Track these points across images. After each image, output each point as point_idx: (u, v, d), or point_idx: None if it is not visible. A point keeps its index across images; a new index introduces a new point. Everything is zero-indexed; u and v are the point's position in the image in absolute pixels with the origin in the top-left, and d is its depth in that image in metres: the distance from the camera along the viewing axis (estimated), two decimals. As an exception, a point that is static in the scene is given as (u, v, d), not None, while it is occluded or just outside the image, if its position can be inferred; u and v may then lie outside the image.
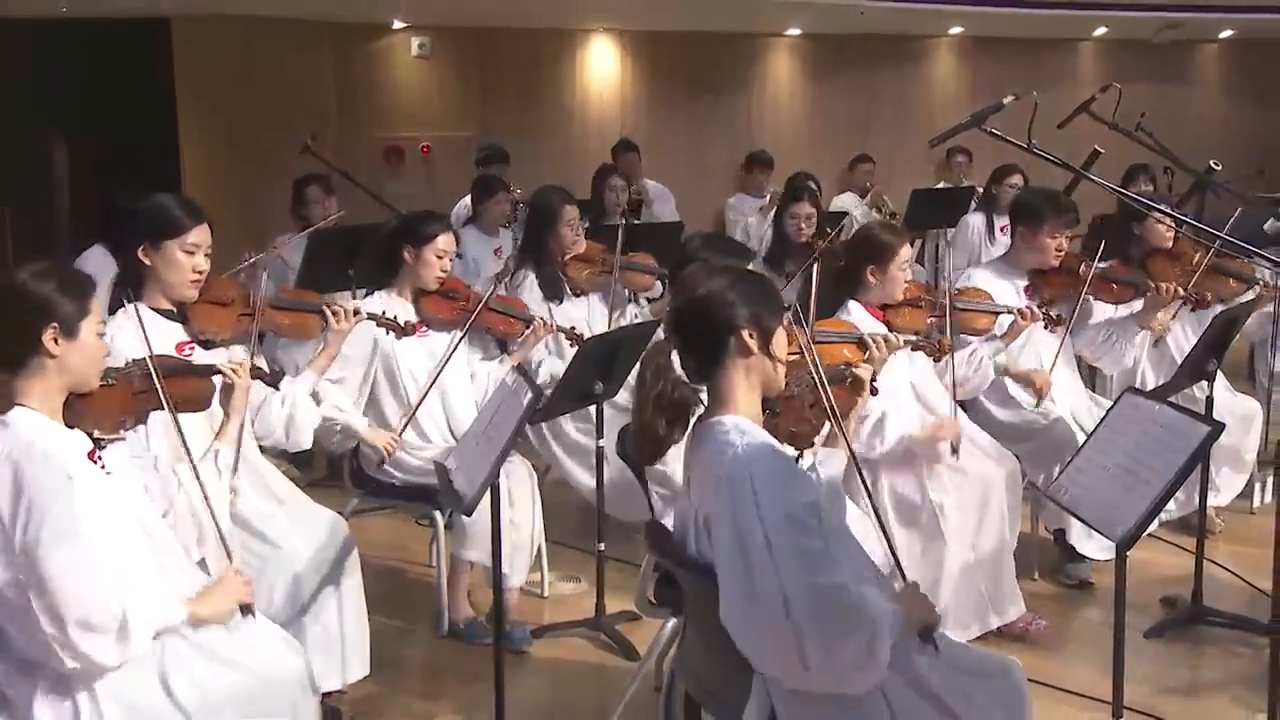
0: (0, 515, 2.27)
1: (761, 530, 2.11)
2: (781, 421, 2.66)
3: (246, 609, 2.60)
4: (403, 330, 3.77)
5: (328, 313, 3.55)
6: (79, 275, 2.55)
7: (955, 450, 3.72)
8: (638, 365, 2.54)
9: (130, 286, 3.12)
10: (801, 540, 2.11)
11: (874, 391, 3.14)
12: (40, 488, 2.27)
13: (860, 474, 2.67)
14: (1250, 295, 4.63)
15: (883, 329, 3.82)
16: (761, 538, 2.11)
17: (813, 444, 2.87)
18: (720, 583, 2.18)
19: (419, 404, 3.88)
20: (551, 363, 4.54)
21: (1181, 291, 4.38)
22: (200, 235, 3.16)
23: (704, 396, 2.41)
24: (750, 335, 2.33)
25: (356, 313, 3.59)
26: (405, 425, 3.88)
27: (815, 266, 4.12)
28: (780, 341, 2.40)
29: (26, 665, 2.35)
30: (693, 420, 2.41)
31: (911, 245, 3.96)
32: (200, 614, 2.50)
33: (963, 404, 4.08)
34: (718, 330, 2.34)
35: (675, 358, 2.41)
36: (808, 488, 2.22)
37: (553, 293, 4.80)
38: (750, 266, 3.25)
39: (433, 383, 3.90)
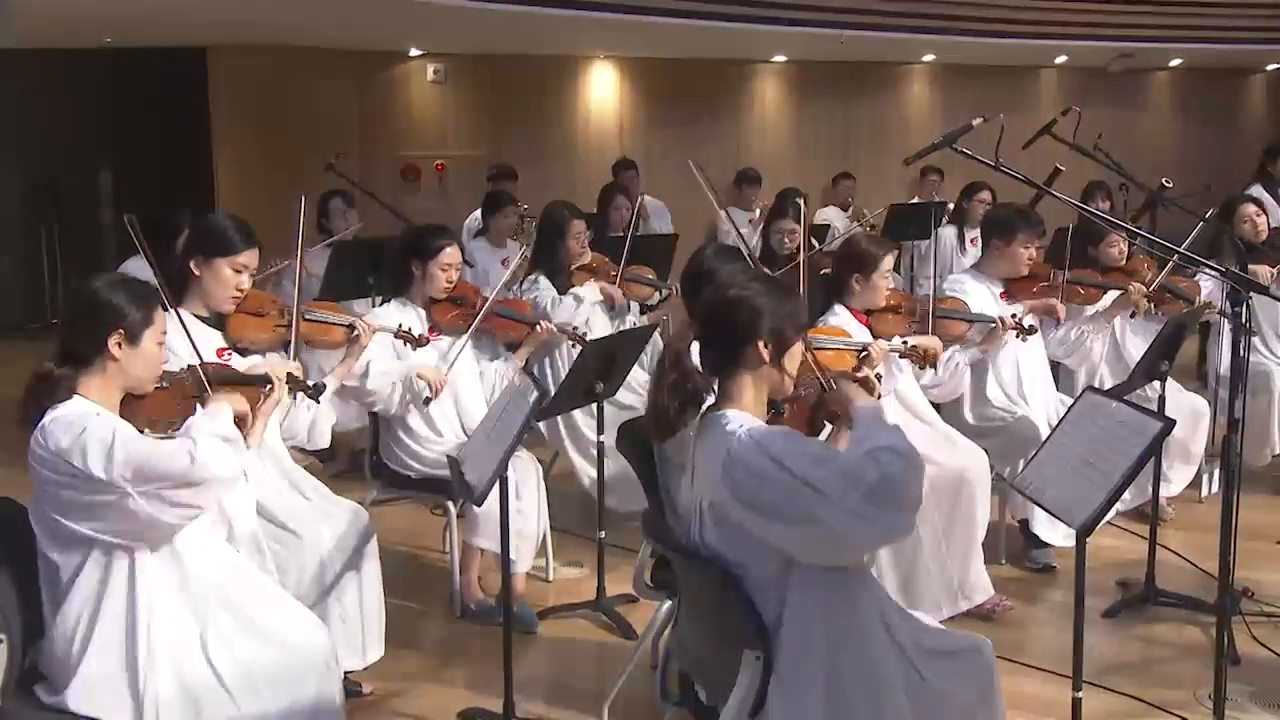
0: (59, 467, 2.29)
1: (802, 481, 2.10)
2: (784, 421, 2.64)
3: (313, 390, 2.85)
4: (417, 342, 3.77)
5: (358, 326, 3.54)
6: (147, 288, 2.55)
7: (934, 364, 3.83)
8: (660, 349, 2.52)
9: (173, 293, 3.10)
10: (834, 466, 2.12)
11: (878, 397, 3.09)
12: (97, 427, 2.31)
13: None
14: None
15: (866, 331, 3.83)
16: (805, 486, 2.10)
17: None
18: (777, 540, 2.17)
19: (453, 363, 3.90)
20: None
21: (1148, 291, 4.41)
22: (250, 258, 3.18)
23: (716, 386, 2.39)
24: (766, 346, 2.30)
25: (373, 329, 3.59)
26: (450, 367, 3.90)
27: (800, 272, 4.11)
28: (794, 355, 2.37)
29: (89, 637, 2.35)
30: (703, 409, 2.39)
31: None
32: (231, 407, 2.57)
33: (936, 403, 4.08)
34: (737, 334, 2.31)
35: (694, 347, 2.39)
36: (810, 440, 2.27)
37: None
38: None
39: (448, 370, 3.89)
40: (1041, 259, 4.69)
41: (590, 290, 4.80)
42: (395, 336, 3.73)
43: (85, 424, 2.31)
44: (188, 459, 2.34)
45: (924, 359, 3.76)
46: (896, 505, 2.10)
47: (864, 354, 3.59)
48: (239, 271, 3.16)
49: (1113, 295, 4.54)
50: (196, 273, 3.15)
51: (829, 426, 2.82)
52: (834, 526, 2.09)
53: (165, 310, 2.91)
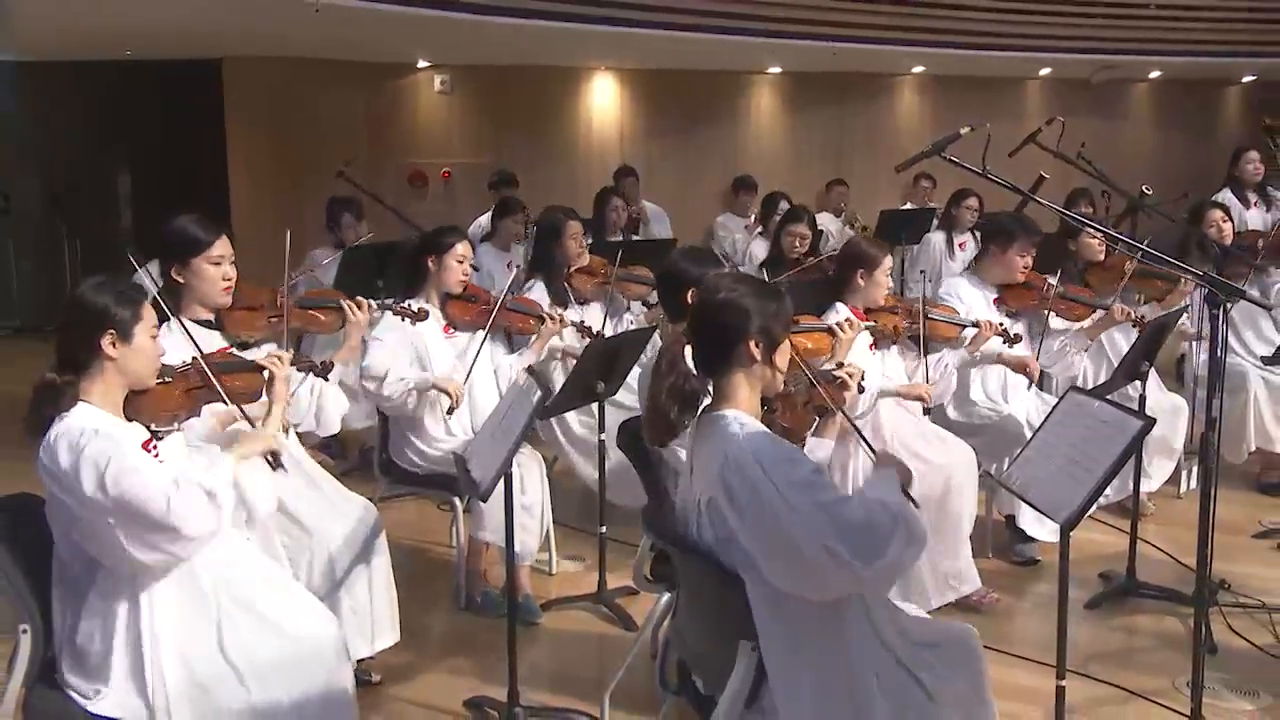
0: (61, 482, 2.27)
1: (784, 502, 2.09)
2: (777, 418, 2.63)
3: (276, 460, 2.62)
4: (416, 316, 3.79)
5: (345, 307, 3.50)
6: (133, 286, 2.52)
7: (928, 411, 3.83)
8: (655, 355, 2.51)
9: (171, 302, 3.06)
10: (818, 497, 2.10)
11: (861, 389, 3.10)
12: (95, 450, 2.27)
13: (864, 441, 2.62)
14: (1174, 298, 4.63)
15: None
16: (786, 508, 2.09)
17: (804, 439, 2.84)
18: (758, 554, 2.15)
19: (474, 362, 3.90)
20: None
21: (1134, 315, 4.36)
22: (222, 247, 3.09)
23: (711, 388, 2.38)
24: (756, 345, 2.29)
25: (368, 305, 3.55)
26: (469, 374, 3.88)
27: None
28: (783, 352, 2.37)
29: (105, 628, 2.35)
30: (699, 410, 2.39)
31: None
32: (243, 453, 2.54)
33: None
34: (728, 335, 2.30)
35: (689, 351, 2.39)
36: (806, 459, 2.24)
37: (559, 301, 4.77)
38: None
39: (469, 372, 3.89)
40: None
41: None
42: (393, 314, 3.74)
43: (84, 442, 2.27)
44: (164, 503, 2.27)
45: (893, 335, 3.88)
46: (867, 554, 2.06)
47: (833, 333, 3.63)
48: (218, 263, 3.08)
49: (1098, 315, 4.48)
50: (180, 279, 3.07)
51: (818, 419, 2.83)
52: (806, 557, 2.08)
53: (166, 319, 2.89)
